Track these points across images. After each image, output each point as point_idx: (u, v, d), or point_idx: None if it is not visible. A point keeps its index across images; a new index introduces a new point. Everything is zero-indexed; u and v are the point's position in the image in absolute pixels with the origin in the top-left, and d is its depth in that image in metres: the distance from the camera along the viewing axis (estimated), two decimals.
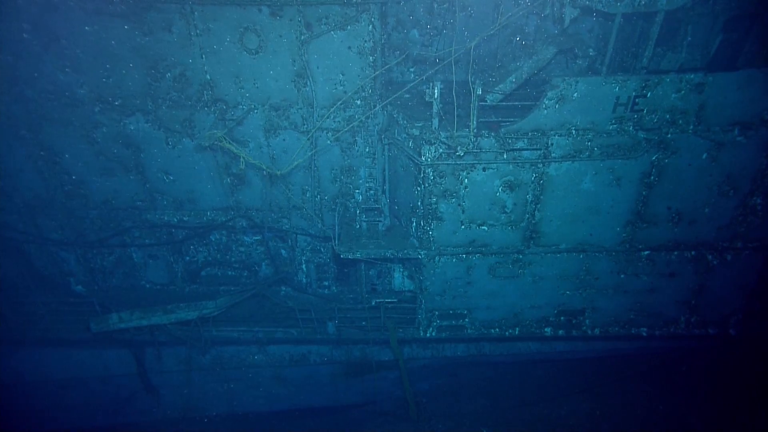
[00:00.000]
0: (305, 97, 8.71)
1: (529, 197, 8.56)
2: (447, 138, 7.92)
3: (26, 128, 9.18)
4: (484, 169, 8.31)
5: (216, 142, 7.48)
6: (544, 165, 8.25)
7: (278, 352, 11.31)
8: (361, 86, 8.57)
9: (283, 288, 11.35)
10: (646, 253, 9.19)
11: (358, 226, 10.04)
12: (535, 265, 9.34)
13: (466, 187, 8.46)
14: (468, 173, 8.35)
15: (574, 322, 10.06)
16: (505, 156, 8.17)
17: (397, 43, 9.81)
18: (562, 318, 10.02)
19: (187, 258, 11.18)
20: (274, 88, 8.63)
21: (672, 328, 10.02)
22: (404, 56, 9.64)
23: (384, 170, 9.74)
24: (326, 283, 11.33)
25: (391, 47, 9.67)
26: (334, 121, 8.99)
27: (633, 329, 10.08)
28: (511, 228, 8.90)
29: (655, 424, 10.89)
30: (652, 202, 8.60)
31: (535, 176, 8.36)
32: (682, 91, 7.59)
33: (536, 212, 8.73)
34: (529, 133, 8.00)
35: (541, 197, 8.55)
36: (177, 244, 10.82)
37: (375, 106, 8.83)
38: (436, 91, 7.52)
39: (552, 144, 8.06)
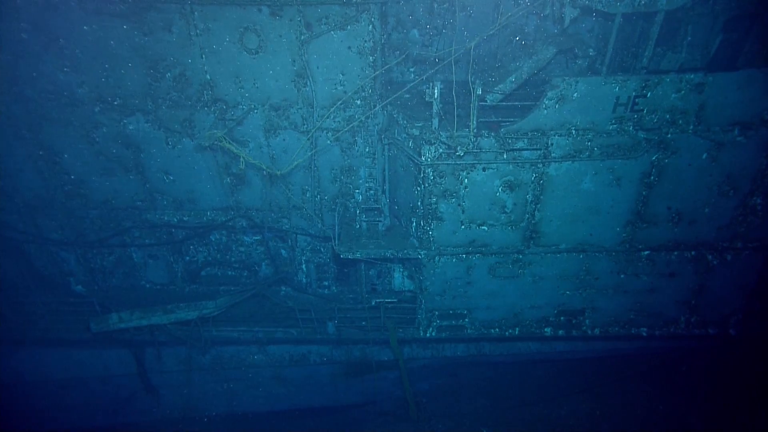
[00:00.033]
0: (305, 97, 8.70)
1: (529, 197, 8.56)
2: (447, 138, 7.91)
3: (26, 128, 9.18)
4: (484, 169, 8.31)
5: (216, 142, 7.48)
6: (544, 165, 8.25)
7: (278, 352, 11.31)
8: (361, 86, 8.57)
9: (283, 288, 11.34)
10: (646, 253, 9.19)
11: (358, 226, 10.04)
12: (535, 265, 9.34)
13: (466, 187, 8.46)
14: (468, 173, 8.35)
15: (574, 322, 10.06)
16: (505, 156, 8.17)
17: (397, 43, 9.80)
18: (562, 318, 10.02)
19: (187, 258, 11.18)
20: (274, 88, 8.63)
21: (672, 328, 10.02)
22: (404, 56, 9.63)
23: (384, 170, 9.74)
24: (326, 283, 11.33)
25: (391, 47, 9.67)
26: (334, 121, 8.99)
27: (633, 329, 10.08)
28: (511, 228, 8.90)
29: (655, 424, 10.89)
30: (652, 202, 8.60)
31: (535, 176, 8.36)
32: (682, 91, 7.59)
33: (536, 212, 8.73)
34: (529, 133, 8.00)
35: (541, 197, 8.55)
36: (177, 244, 10.82)
37: (375, 106, 8.83)
38: (436, 91, 7.52)
39: (552, 144, 8.05)
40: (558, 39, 8.48)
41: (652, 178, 8.35)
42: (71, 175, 9.73)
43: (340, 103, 8.62)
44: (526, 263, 9.32)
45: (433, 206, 8.65)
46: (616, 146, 8.08)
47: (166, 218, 10.29)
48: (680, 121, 7.85)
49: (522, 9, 8.09)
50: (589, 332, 10.13)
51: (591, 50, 8.97)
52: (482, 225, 8.87)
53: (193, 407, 12.11)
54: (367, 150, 9.38)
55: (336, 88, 8.63)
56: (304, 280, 11.25)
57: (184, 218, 10.30)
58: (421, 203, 8.79)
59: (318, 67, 8.41)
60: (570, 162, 8.21)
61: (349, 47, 8.20)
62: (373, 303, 10.34)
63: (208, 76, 8.52)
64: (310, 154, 9.20)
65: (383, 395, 12.06)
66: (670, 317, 9.91)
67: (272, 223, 10.36)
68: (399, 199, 9.79)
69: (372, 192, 9.87)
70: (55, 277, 11.18)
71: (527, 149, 8.12)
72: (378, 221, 10.02)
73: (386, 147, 9.45)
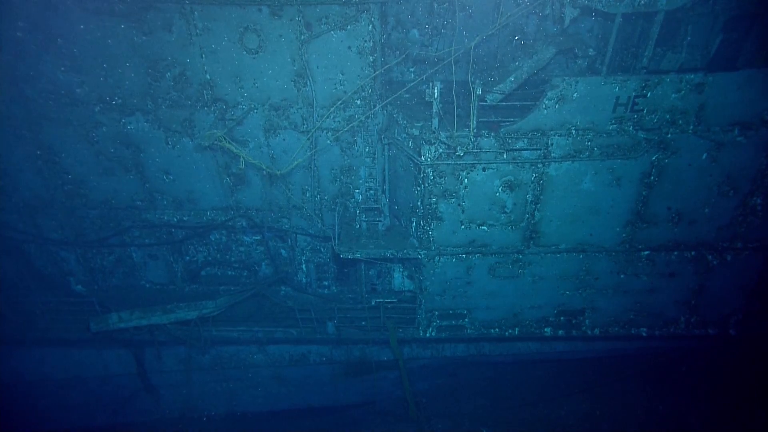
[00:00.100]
0: (305, 96, 8.70)
1: (529, 197, 8.55)
2: (447, 138, 7.91)
3: (26, 128, 9.18)
4: (483, 169, 8.31)
5: (216, 142, 7.47)
6: (544, 165, 8.25)
7: (278, 351, 11.31)
8: (361, 86, 8.57)
9: (283, 288, 11.34)
10: (646, 253, 9.18)
11: (358, 226, 10.04)
12: (534, 265, 9.34)
13: (466, 187, 8.46)
14: (468, 173, 8.35)
15: (573, 322, 10.06)
16: (505, 156, 8.17)
17: (397, 43, 9.80)
18: (561, 318, 10.02)
19: (187, 258, 11.18)
20: (273, 87, 8.63)
21: (672, 328, 10.02)
22: (404, 56, 9.63)
23: (384, 170, 9.73)
24: (326, 283, 11.33)
25: (391, 47, 9.67)
26: (334, 121, 8.98)
27: (633, 329, 10.08)
28: (511, 228, 8.90)
29: (655, 424, 10.89)
30: (652, 202, 8.59)
31: (535, 176, 8.36)
32: (682, 91, 7.58)
33: (536, 212, 8.72)
34: (529, 133, 8.00)
35: (541, 197, 8.55)
36: (177, 243, 10.82)
37: (375, 106, 8.83)
38: (436, 91, 7.51)
39: (552, 144, 8.05)
40: (558, 39, 8.48)
41: (652, 178, 8.35)
42: (71, 174, 9.73)
43: (340, 103, 8.62)
44: (526, 263, 9.32)
45: (433, 206, 8.65)
46: (616, 146, 8.08)
47: (165, 218, 10.28)
48: (680, 121, 7.84)
49: (522, 9, 8.09)
50: (589, 332, 10.13)
51: (591, 50, 8.97)
52: (482, 225, 8.87)
53: (192, 407, 12.12)
54: (367, 150, 9.38)
55: (336, 88, 8.62)
56: (303, 279, 11.25)
57: (184, 218, 10.30)
58: (421, 203, 8.78)
59: (318, 67, 8.41)
60: (570, 162, 8.21)
61: (349, 47, 8.20)
62: (373, 303, 10.34)
63: (208, 76, 8.52)
64: (310, 153, 9.20)
65: (383, 395, 12.05)
66: (670, 317, 9.91)
67: (272, 223, 10.36)
68: (399, 199, 9.79)
69: (372, 192, 9.87)
70: (55, 277, 11.17)
71: (527, 149, 8.12)
72: (378, 221, 10.02)
73: (386, 147, 9.44)
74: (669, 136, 7.98)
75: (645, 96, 7.63)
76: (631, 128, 7.94)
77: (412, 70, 10.41)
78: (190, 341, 10.76)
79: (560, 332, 10.16)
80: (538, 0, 7.98)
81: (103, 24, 8.04)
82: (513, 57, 9.46)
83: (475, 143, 8.00)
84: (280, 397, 12.08)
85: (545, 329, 10.16)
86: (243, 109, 8.83)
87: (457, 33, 9.03)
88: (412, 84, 8.87)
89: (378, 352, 11.16)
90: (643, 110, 7.76)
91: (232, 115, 8.86)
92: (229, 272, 11.47)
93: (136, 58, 8.38)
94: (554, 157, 8.16)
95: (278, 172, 8.07)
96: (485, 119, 8.12)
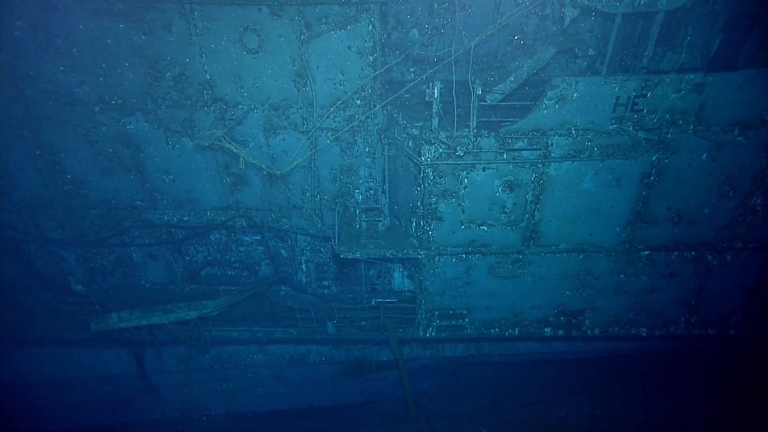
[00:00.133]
0: (305, 96, 8.70)
1: (529, 197, 8.55)
2: (447, 138, 7.91)
3: (26, 128, 9.18)
4: (483, 169, 8.31)
5: (216, 142, 7.48)
6: (544, 165, 8.25)
7: (278, 351, 11.30)
8: (361, 86, 8.57)
9: (283, 288, 11.34)
10: (646, 253, 9.18)
11: (357, 226, 10.04)
12: (534, 265, 9.33)
13: (465, 187, 8.46)
14: (468, 173, 8.34)
15: (573, 322, 10.06)
16: (504, 156, 8.17)
17: (397, 43, 9.80)
18: (561, 318, 10.02)
19: (187, 258, 11.18)
20: (273, 87, 8.62)
21: (672, 328, 10.02)
22: (404, 56, 9.63)
23: (384, 170, 9.73)
24: (326, 283, 11.33)
25: (391, 47, 9.66)
26: (334, 121, 8.98)
27: (633, 329, 10.08)
28: (511, 228, 8.90)
29: (655, 424, 10.89)
30: (652, 202, 8.59)
31: (535, 176, 8.35)
32: (682, 91, 7.58)
33: (536, 212, 8.72)
34: (529, 133, 8.00)
35: (541, 197, 8.55)
36: (177, 243, 10.82)
37: (375, 106, 8.83)
38: (435, 90, 7.52)
39: (552, 144, 8.05)
40: (558, 39, 8.48)
41: (652, 178, 8.35)
42: (71, 174, 9.73)
43: (340, 102, 8.62)
44: (525, 263, 9.31)
45: (433, 206, 8.65)
46: (616, 146, 8.08)
47: (165, 218, 10.28)
48: (680, 121, 7.84)
49: (522, 9, 8.09)
50: (589, 332, 10.13)
51: (591, 50, 8.96)
52: (482, 225, 8.86)
53: (192, 407, 12.12)
54: (367, 150, 9.38)
55: (336, 88, 8.62)
56: (303, 279, 11.25)
57: (184, 218, 10.30)
58: (421, 203, 8.78)
59: (318, 67, 8.41)
60: (570, 162, 8.21)
61: (349, 47, 8.20)
62: (373, 303, 10.34)
63: (208, 76, 8.52)
64: (309, 153, 9.20)
65: (383, 395, 12.05)
66: (669, 317, 9.91)
67: (272, 223, 10.36)
68: (399, 199, 9.79)
69: (372, 192, 9.87)
70: (55, 277, 11.17)
71: (527, 149, 8.12)
72: (378, 221, 10.02)
73: (386, 147, 9.44)
74: (669, 136, 7.98)
75: (645, 96, 7.63)
76: (631, 128, 7.94)
77: (412, 70, 10.41)
78: (190, 341, 10.76)
79: (560, 332, 10.16)
80: (538, 0, 7.98)
81: (102, 24, 8.04)
82: (513, 57, 9.45)
83: (475, 143, 8.00)
84: (280, 397, 12.08)
85: (545, 329, 10.16)
86: (243, 109, 8.83)
87: (457, 33, 9.02)
88: (412, 84, 8.87)
89: (378, 352, 11.16)
90: (643, 110, 7.76)
91: (232, 115, 8.86)
92: (229, 272, 11.47)
93: (136, 58, 8.37)
94: (554, 157, 8.16)
95: (278, 172, 8.08)
96: (485, 119, 8.12)
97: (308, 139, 8.96)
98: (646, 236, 8.97)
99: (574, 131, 7.97)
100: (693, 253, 9.14)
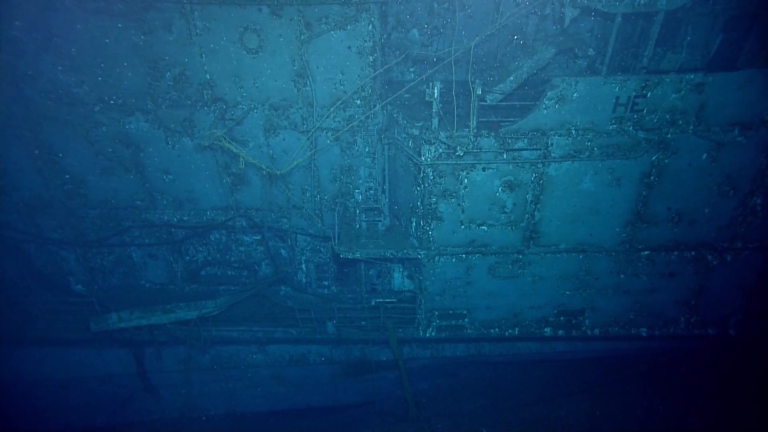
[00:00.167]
0: (305, 96, 8.70)
1: (529, 197, 8.55)
2: (447, 138, 7.91)
3: (26, 128, 9.18)
4: (483, 169, 8.31)
5: (216, 142, 7.47)
6: (543, 165, 8.24)
7: (278, 351, 11.30)
8: (361, 86, 8.57)
9: (283, 288, 11.34)
10: (646, 253, 9.18)
11: (357, 226, 10.04)
12: (534, 265, 9.33)
13: (465, 187, 8.46)
14: (468, 173, 8.34)
15: (573, 322, 10.06)
16: (504, 156, 8.17)
17: (397, 43, 9.80)
18: (561, 318, 10.01)
19: (187, 258, 11.18)
20: (273, 87, 8.62)
21: (672, 328, 10.01)
22: (404, 56, 9.63)
23: (384, 170, 9.73)
24: (326, 283, 11.33)
25: (391, 47, 9.66)
26: (334, 121, 8.98)
27: (633, 329, 10.07)
28: (511, 228, 8.90)
29: (655, 424, 10.89)
30: (652, 202, 8.59)
31: (535, 176, 8.35)
32: (682, 91, 7.58)
33: (536, 212, 8.72)
34: (529, 133, 7.99)
35: (541, 197, 8.55)
36: (177, 243, 10.82)
37: (375, 106, 8.83)
38: (435, 90, 7.51)
39: (552, 144, 8.05)
40: (558, 39, 8.48)
41: (652, 178, 8.35)
42: (71, 174, 9.73)
43: (340, 102, 8.62)
44: (525, 263, 9.31)
45: (433, 206, 8.65)
46: (616, 146, 8.08)
47: (165, 218, 10.28)
48: (680, 121, 7.84)
49: (522, 9, 8.09)
50: (589, 332, 10.13)
51: (591, 50, 8.96)
52: (482, 225, 8.86)
53: (192, 407, 12.12)
54: (366, 150, 9.38)
55: (336, 88, 8.62)
56: (303, 279, 11.25)
57: (184, 218, 10.29)
58: (421, 203, 8.78)
59: (318, 67, 8.41)
60: (570, 162, 8.21)
61: (349, 47, 8.20)
62: (373, 303, 10.34)
63: (208, 76, 8.52)
64: (309, 153, 9.20)
65: (383, 395, 12.05)
66: (669, 317, 9.90)
67: (272, 223, 10.36)
68: (399, 199, 9.78)
69: (372, 192, 9.87)
70: (55, 277, 11.18)
71: (527, 149, 8.12)
72: (378, 221, 10.02)
73: (386, 147, 9.44)
74: (669, 136, 7.97)
75: (645, 96, 7.62)
76: (631, 128, 7.93)
77: (412, 70, 10.41)
78: (190, 341, 10.76)
79: (560, 332, 10.16)
80: (538, 0, 7.98)
81: (102, 24, 8.03)
82: (513, 57, 9.45)
83: (475, 143, 7.99)
84: (280, 397, 12.09)
85: (545, 329, 10.16)
86: (243, 108, 8.83)
87: (457, 33, 9.03)
88: (412, 84, 8.87)
89: (378, 352, 11.16)
90: (643, 110, 7.76)
91: (232, 114, 8.86)
92: (229, 272, 11.47)
93: (136, 58, 8.37)
94: (554, 157, 8.16)
95: (278, 172, 8.08)
96: (485, 119, 8.12)
97: (308, 139, 8.96)
98: (646, 236, 8.97)
99: (574, 131, 7.97)
100: (693, 253, 9.14)
